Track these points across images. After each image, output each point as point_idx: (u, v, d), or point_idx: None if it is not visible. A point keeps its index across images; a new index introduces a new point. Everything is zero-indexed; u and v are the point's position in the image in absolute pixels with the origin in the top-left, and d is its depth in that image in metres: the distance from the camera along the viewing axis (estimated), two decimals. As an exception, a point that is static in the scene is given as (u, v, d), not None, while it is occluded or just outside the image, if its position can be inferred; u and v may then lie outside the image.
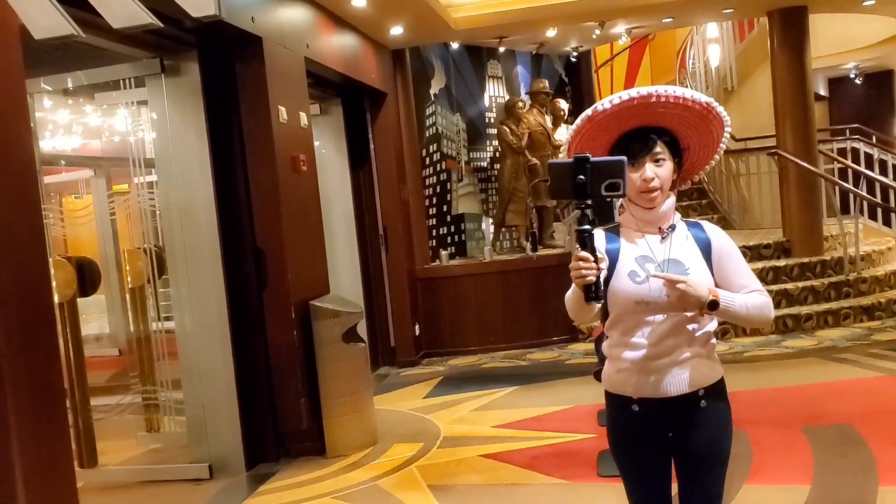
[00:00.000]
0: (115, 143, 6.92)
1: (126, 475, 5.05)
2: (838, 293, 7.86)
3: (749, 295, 2.25)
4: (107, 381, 6.59)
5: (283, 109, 5.07)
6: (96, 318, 7.85)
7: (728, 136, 2.32)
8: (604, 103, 2.21)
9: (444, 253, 8.20)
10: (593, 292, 1.98)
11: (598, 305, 2.12)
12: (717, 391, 2.30)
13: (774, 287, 7.65)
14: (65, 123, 7.29)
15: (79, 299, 5.07)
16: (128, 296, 5.77)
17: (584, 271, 1.97)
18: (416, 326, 7.76)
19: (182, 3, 3.27)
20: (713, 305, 2.14)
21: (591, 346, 6.63)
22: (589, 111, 2.24)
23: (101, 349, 7.40)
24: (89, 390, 5.17)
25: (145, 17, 3.03)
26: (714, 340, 2.33)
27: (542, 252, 8.15)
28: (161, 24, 3.23)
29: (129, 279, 5.64)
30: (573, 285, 2.11)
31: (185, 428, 5.08)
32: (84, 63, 4.95)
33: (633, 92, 2.19)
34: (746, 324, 2.30)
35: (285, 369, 5.04)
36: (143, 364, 5.57)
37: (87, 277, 5.06)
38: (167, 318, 5.32)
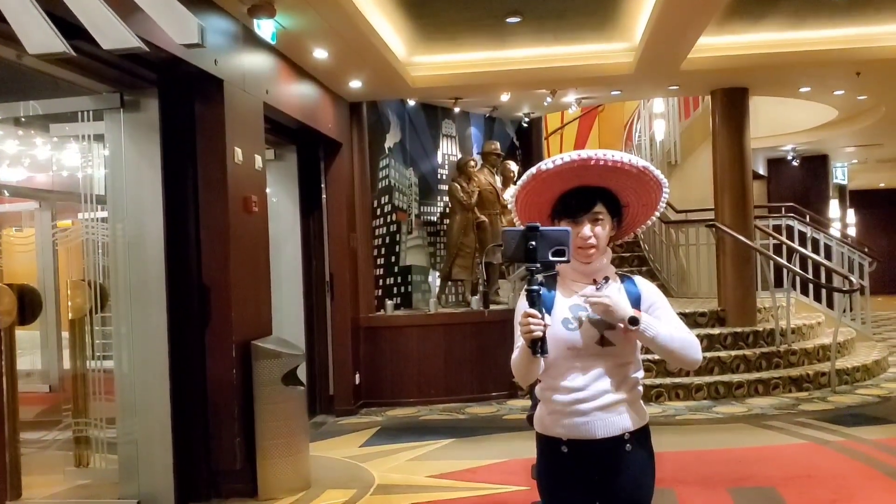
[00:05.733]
0: (64, 177, 6.86)
1: (50, 510, 4.93)
2: (769, 363, 8.12)
3: (676, 328, 2.38)
4: (35, 416, 6.44)
5: (238, 150, 5.16)
6: (27, 353, 7.66)
7: (667, 197, 2.48)
8: (547, 163, 2.35)
9: (389, 303, 8.26)
10: (539, 346, 2.15)
11: (543, 361, 2.27)
12: (641, 436, 2.42)
13: (708, 354, 7.86)
14: (13, 154, 7.21)
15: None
16: (65, 331, 5.68)
17: (532, 326, 2.14)
18: (357, 375, 7.76)
19: (167, 28, 3.36)
20: (633, 321, 2.26)
21: (530, 402, 6.71)
22: (533, 169, 2.38)
23: (31, 385, 7.22)
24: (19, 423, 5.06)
25: (133, 41, 3.13)
26: (640, 388, 2.46)
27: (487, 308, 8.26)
28: (147, 49, 3.33)
29: (70, 312, 5.56)
30: (517, 349, 2.29)
31: (115, 464, 4.99)
32: (40, 93, 4.96)
33: (574, 154, 2.35)
34: (675, 356, 2.35)
35: (222, 408, 5.01)
36: (77, 399, 5.46)
37: (27, 305, 4.99)
38: (106, 354, 5.25)
